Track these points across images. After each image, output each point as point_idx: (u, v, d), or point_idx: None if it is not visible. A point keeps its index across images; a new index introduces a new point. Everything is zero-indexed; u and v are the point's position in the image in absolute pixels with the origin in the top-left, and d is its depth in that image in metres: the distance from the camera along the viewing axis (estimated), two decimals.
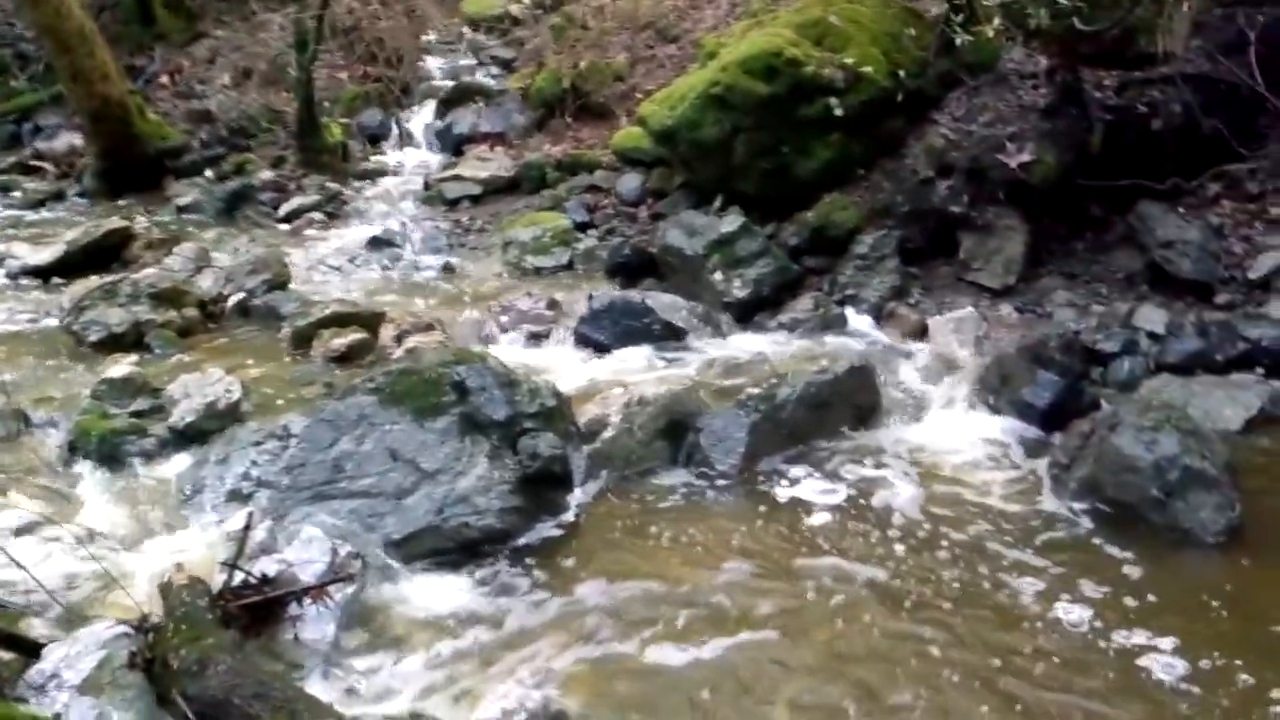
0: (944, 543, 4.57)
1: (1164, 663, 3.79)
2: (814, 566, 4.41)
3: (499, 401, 4.92)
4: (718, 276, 7.17)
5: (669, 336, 6.57)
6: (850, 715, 3.55)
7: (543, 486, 4.82)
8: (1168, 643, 3.88)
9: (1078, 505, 4.79)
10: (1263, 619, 3.99)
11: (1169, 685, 3.68)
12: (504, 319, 6.85)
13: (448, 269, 8.37)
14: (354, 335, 6.33)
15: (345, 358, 6.21)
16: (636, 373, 6.05)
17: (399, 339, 6.43)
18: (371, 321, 6.56)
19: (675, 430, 5.31)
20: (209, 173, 10.62)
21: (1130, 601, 4.13)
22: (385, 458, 4.73)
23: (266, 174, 10.37)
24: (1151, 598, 4.15)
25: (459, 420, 4.85)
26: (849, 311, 6.98)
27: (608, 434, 5.26)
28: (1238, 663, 3.75)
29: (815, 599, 4.19)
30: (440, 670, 3.84)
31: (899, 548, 4.54)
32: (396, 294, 7.77)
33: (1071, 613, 4.07)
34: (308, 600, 3.93)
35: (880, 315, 6.96)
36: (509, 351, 6.28)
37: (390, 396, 4.94)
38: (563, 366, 6.22)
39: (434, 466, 4.69)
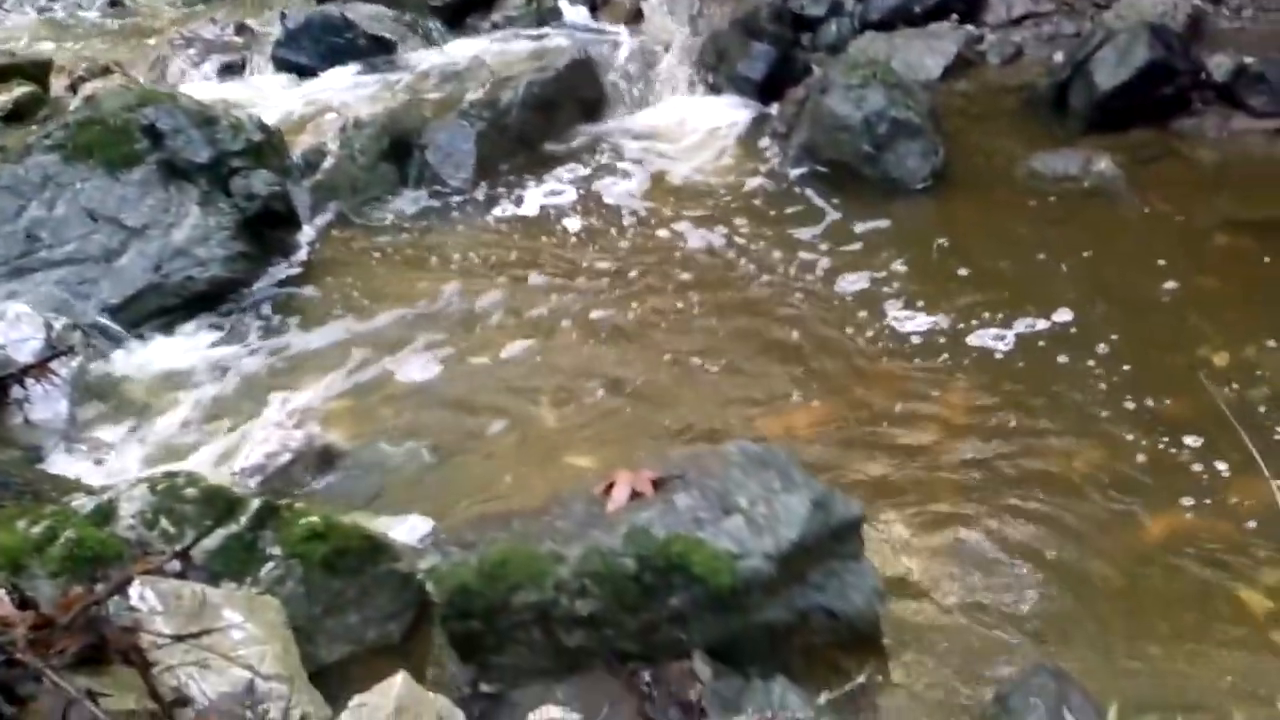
0: (678, 224, 4.69)
1: (888, 294, 4.11)
2: (557, 268, 4.46)
3: (199, 143, 4.54)
4: None
5: (377, 50, 6.17)
6: (611, 400, 3.70)
7: (266, 228, 4.57)
8: (890, 278, 4.19)
9: (798, 170, 4.99)
10: (968, 249, 4.35)
11: (893, 315, 4.00)
12: (190, 52, 6.24)
13: (115, 3, 7.48)
14: (20, 90, 5.65)
15: (14, 116, 5.55)
16: (348, 94, 5.69)
17: (73, 87, 5.79)
18: (38, 72, 5.87)
19: (399, 150, 5.11)
20: None
21: (852, 249, 4.41)
22: (83, 220, 4.34)
23: None
24: (870, 244, 4.44)
25: (158, 168, 4.46)
26: (562, 3, 6.73)
27: (328, 164, 5.01)
28: (950, 287, 4.12)
29: (560, 299, 4.25)
30: (193, 428, 3.72)
31: (637, 236, 4.63)
32: (62, 38, 6.92)
33: (802, 265, 4.32)
34: (29, 380, 3.67)
35: (595, 3, 6.75)
36: (201, 88, 5.77)
37: (75, 151, 4.47)
38: (265, 97, 5.77)
39: (140, 222, 4.34)
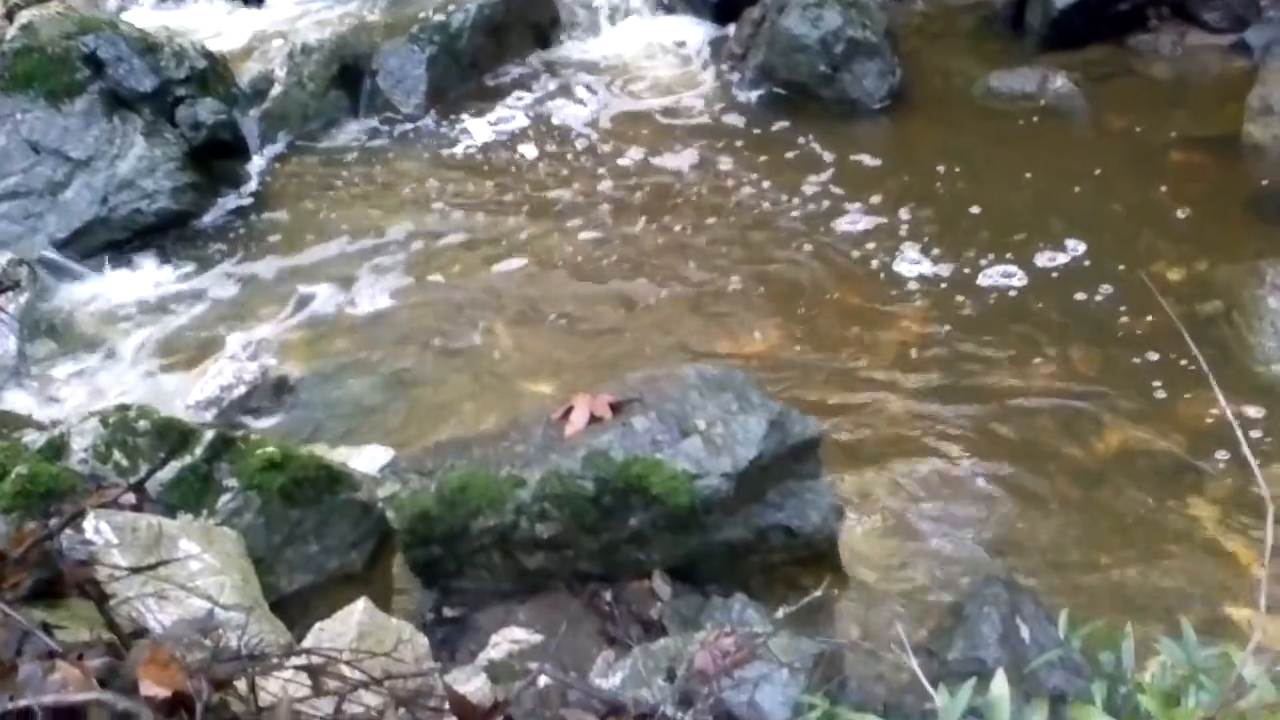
0: (634, 150, 4.63)
1: (845, 218, 4.10)
2: (511, 195, 4.41)
3: (141, 71, 4.42)
4: None
5: None
6: (568, 327, 3.69)
7: (215, 158, 4.49)
8: (846, 202, 4.18)
9: (755, 93, 4.93)
10: (925, 169, 4.34)
11: (850, 239, 4.00)
12: None
13: None
14: None
15: None
16: (294, 19, 5.54)
17: (9, 15, 5.55)
18: None
19: (349, 76, 5.00)
20: None
21: (808, 172, 4.38)
22: (26, 152, 4.23)
23: None
24: (827, 166, 4.41)
25: (100, 98, 4.35)
26: None
27: (276, 91, 4.89)
28: (906, 209, 4.10)
29: (516, 227, 4.21)
30: (146, 361, 3.68)
31: (592, 163, 4.58)
32: None
33: (757, 189, 4.29)
34: None
35: None
36: (142, 14, 5.59)
37: (13, 82, 4.34)
38: (209, 23, 5.60)
39: (85, 154, 4.24)
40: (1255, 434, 3.02)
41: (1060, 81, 4.71)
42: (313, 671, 1.76)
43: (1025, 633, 2.14)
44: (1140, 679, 1.75)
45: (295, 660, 1.78)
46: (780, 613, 2.37)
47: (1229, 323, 3.48)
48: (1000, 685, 1.25)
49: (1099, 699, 1.71)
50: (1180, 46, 4.98)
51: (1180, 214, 3.98)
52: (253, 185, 4.54)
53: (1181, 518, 2.83)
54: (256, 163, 4.66)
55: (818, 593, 2.38)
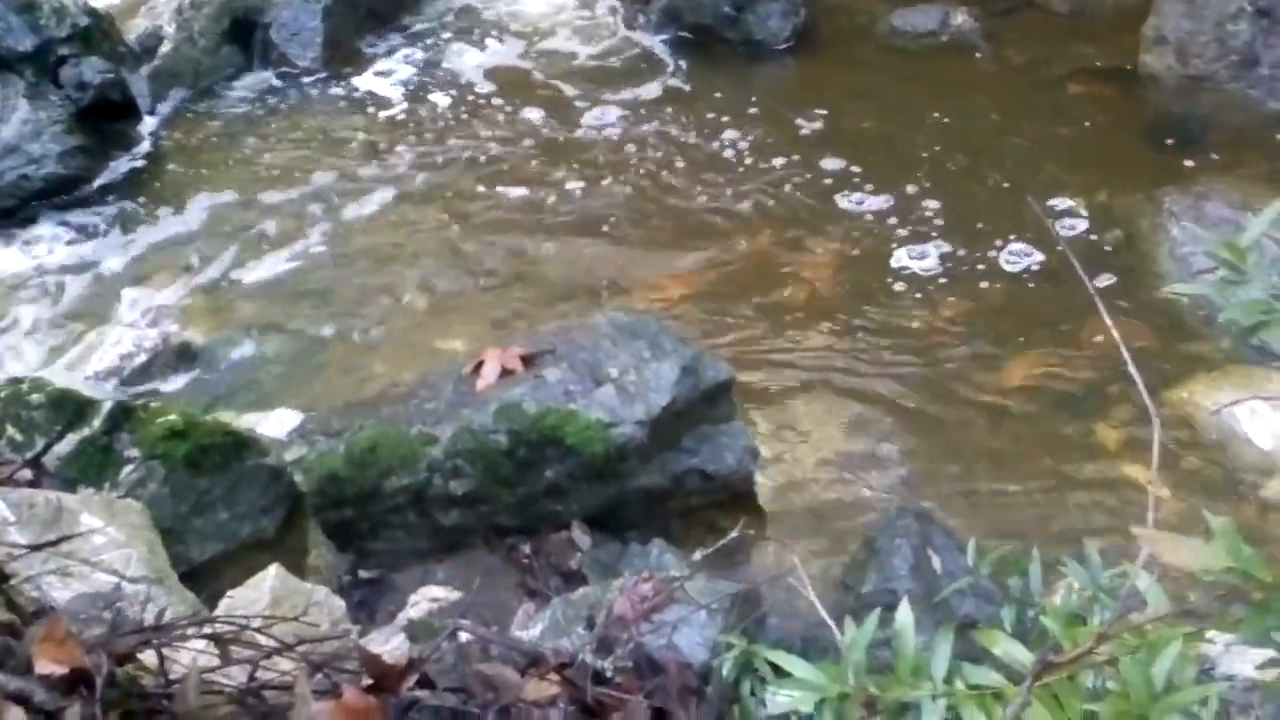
0: (539, 98, 4.56)
1: (753, 159, 4.09)
2: (414, 149, 4.31)
3: (20, 30, 4.22)
4: None
5: None
6: (478, 281, 3.64)
7: (104, 119, 4.31)
8: (754, 144, 4.17)
9: (661, 36, 4.88)
10: (831, 108, 4.33)
11: (759, 180, 3.99)
12: None
13: None
14: None
15: None
16: None
17: None
18: None
19: (241, 30, 4.84)
20: None
21: (714, 115, 4.35)
22: None
23: None
24: (733, 108, 4.38)
25: None
26: None
27: (166, 48, 4.73)
28: (813, 149, 4.11)
29: (420, 181, 4.12)
30: (41, 333, 3.55)
31: (495, 112, 4.50)
32: None
33: (664, 135, 4.26)
34: None
35: None
36: None
37: None
38: None
39: None
40: (1155, 356, 3.10)
41: (961, 18, 4.73)
42: (220, 640, 1.72)
43: (937, 563, 2.18)
44: (1049, 602, 1.79)
45: (201, 629, 1.74)
46: (697, 555, 2.38)
47: (1131, 250, 3.56)
48: (905, 614, 1.25)
49: (1008, 623, 1.75)
50: None
51: (1081, 145, 4.04)
52: (145, 146, 4.38)
53: (1087, 443, 2.90)
54: (148, 123, 4.50)
55: (734, 534, 2.39)
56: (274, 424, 2.97)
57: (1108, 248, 3.57)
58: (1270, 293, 1.44)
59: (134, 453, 2.59)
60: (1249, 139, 3.98)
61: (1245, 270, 1.47)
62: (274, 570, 2.31)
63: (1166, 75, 4.31)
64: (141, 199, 4.11)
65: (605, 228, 3.84)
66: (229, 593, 2.29)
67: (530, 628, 2.19)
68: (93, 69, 4.28)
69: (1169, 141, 4.03)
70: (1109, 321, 1.49)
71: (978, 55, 4.65)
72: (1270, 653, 1.20)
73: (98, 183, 4.19)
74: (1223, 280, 1.49)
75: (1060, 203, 3.74)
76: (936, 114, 4.26)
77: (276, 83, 4.73)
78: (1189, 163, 3.89)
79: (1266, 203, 1.32)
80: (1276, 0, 4.11)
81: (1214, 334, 3.17)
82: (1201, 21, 4.25)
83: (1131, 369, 1.10)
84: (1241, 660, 1.95)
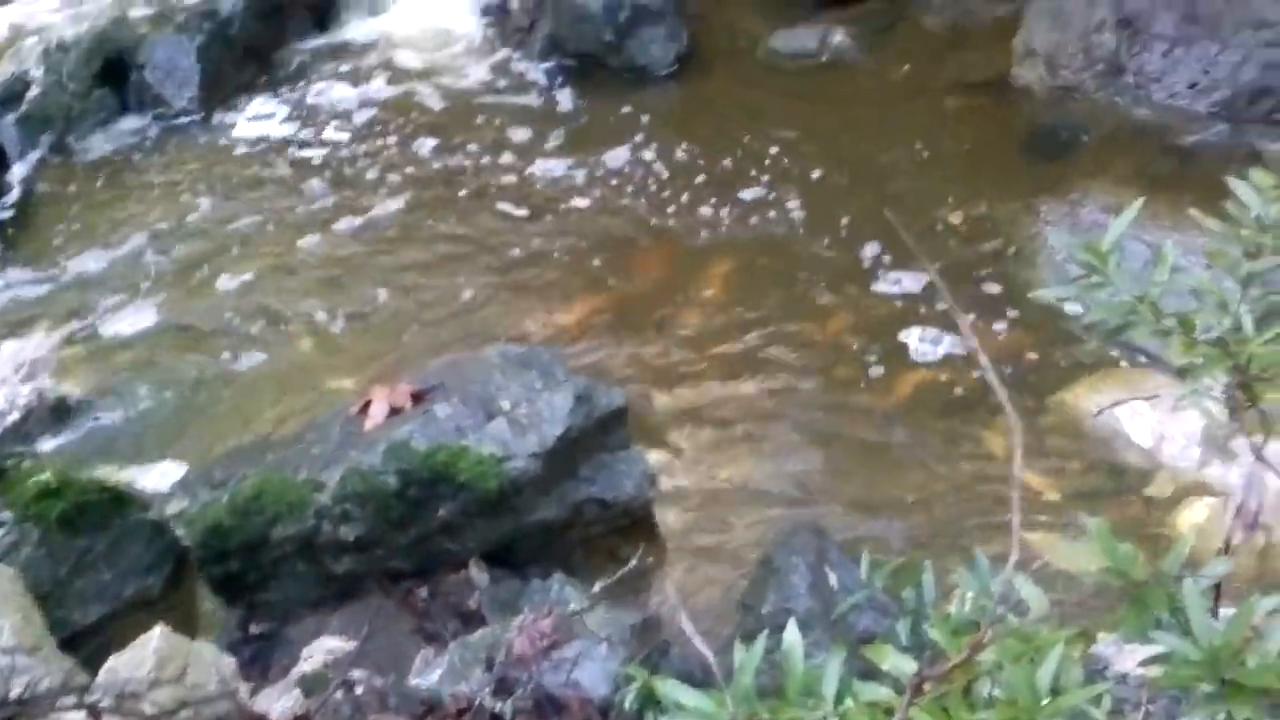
0: (421, 134, 4.49)
1: (637, 185, 4.08)
2: (296, 190, 4.22)
3: None
4: None
5: None
6: (365, 320, 3.57)
7: None
8: (638, 168, 4.17)
9: (544, 65, 4.86)
10: (714, 131, 4.36)
11: (644, 204, 3.98)
12: None
13: None
14: None
15: None
16: (45, 13, 5.17)
17: None
18: None
19: (114, 71, 4.72)
20: None
21: (598, 142, 4.34)
22: None
23: None
24: (617, 135, 4.37)
25: None
26: None
27: (34, 93, 4.59)
28: (698, 172, 4.12)
29: (302, 222, 4.04)
30: None
31: (378, 150, 4.42)
32: None
33: (548, 164, 4.23)
34: None
35: None
36: None
37: None
38: None
39: None
40: (1041, 361, 3.17)
41: (840, 37, 4.81)
42: (93, 711, 1.64)
43: (833, 579, 2.18)
44: (944, 612, 1.80)
45: (74, 701, 1.66)
46: (597, 587, 2.36)
47: (1014, 258, 3.64)
48: (793, 634, 1.24)
49: (903, 636, 1.75)
50: None
51: (959, 157, 4.13)
52: (14, 195, 4.25)
53: (976, 449, 2.94)
54: (17, 171, 4.36)
55: (633, 563, 2.37)
56: (157, 477, 2.87)
57: (990, 256, 3.64)
58: (1134, 294, 1.48)
59: (5, 515, 2.47)
60: (1119, 145, 4.11)
61: (1107, 273, 1.50)
62: (159, 631, 2.22)
63: (1038, 86, 4.43)
64: (10, 250, 3.97)
65: (494, 260, 3.80)
66: (111, 658, 2.19)
67: (428, 674, 2.13)
68: None
69: (1043, 150, 4.15)
70: (971, 337, 1.50)
71: (857, 72, 4.73)
72: (1154, 649, 1.22)
73: None
74: (1087, 283, 1.52)
75: (942, 213, 3.81)
76: (817, 132, 4.32)
77: (152, 125, 4.62)
78: (1063, 170, 4.00)
79: None
80: (1138, 10, 4.27)
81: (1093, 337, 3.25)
82: (1068, 32, 4.38)
83: (990, 375, 1.11)
84: (1133, 658, 1.99)
